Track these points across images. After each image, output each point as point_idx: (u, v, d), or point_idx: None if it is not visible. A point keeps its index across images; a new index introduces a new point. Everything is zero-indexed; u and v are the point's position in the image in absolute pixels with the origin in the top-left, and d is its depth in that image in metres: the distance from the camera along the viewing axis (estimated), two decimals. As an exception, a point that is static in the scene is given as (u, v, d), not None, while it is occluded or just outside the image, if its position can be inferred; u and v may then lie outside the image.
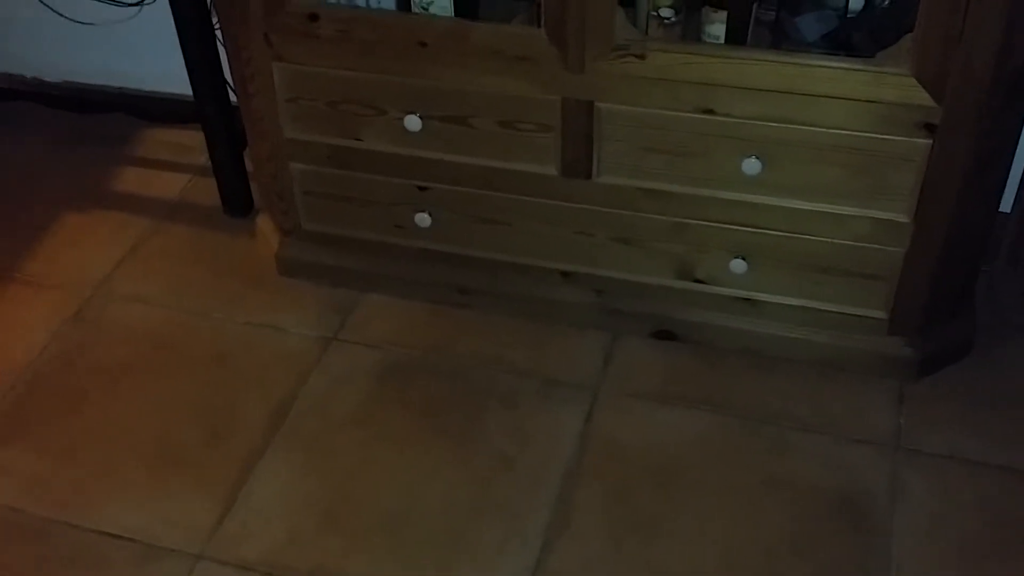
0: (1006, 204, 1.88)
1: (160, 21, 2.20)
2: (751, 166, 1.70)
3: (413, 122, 1.83)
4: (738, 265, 1.83)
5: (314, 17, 1.77)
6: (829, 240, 1.76)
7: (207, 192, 2.33)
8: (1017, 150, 1.75)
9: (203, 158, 2.33)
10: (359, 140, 1.91)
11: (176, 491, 1.75)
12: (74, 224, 2.31)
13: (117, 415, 1.88)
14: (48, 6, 2.42)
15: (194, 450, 1.81)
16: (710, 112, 1.68)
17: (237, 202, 2.30)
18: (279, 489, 1.75)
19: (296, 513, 1.71)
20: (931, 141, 1.61)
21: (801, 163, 1.69)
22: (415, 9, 1.77)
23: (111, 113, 2.53)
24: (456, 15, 1.76)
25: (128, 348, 2.01)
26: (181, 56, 2.12)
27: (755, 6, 1.68)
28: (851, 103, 1.61)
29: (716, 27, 1.68)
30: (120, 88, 2.57)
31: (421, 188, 1.93)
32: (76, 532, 1.69)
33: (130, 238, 2.26)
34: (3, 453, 1.82)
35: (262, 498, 1.73)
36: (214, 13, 2.01)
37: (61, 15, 2.44)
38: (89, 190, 2.41)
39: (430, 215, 1.95)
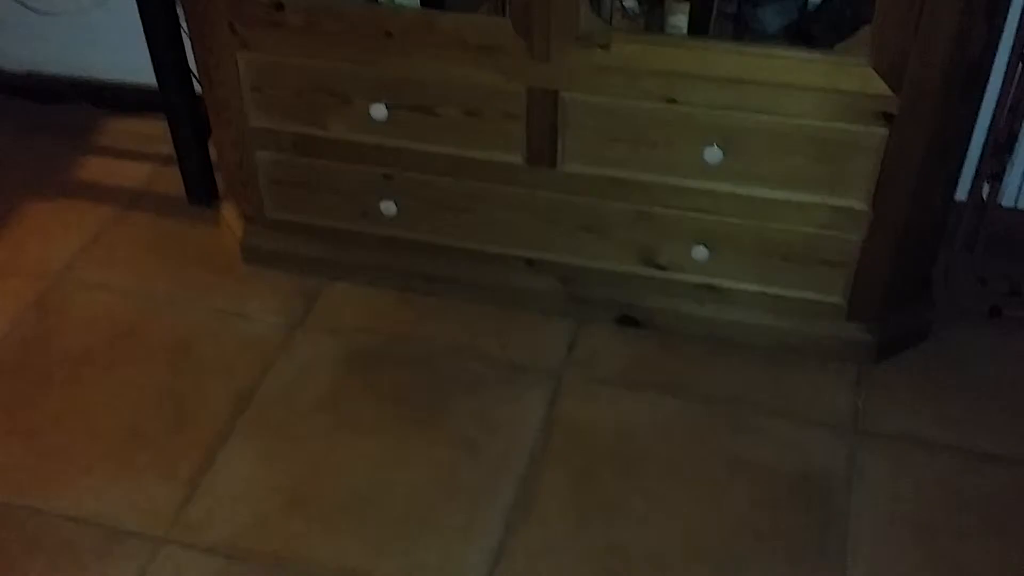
0: (962, 192, 1.91)
1: (124, 10, 2.19)
2: (713, 154, 1.73)
3: (379, 111, 1.84)
4: (700, 252, 1.85)
5: (279, 6, 1.78)
6: (789, 227, 1.79)
7: (171, 181, 2.33)
8: (972, 138, 1.79)
9: (167, 147, 2.32)
10: (325, 128, 1.91)
11: (140, 476, 1.75)
12: (37, 213, 2.30)
13: (80, 401, 1.87)
14: (10, -6, 2.41)
15: (158, 436, 1.81)
16: (673, 101, 1.71)
17: (201, 191, 2.29)
18: (244, 474, 1.75)
19: (261, 498, 1.71)
20: (888, 130, 1.64)
21: (761, 151, 1.72)
22: (381, -3, 1.78)
23: (74, 102, 2.52)
24: (422, 5, 1.77)
25: (91, 335, 2.00)
26: (145, 45, 2.11)
27: (717, -3, 1.71)
28: (810, 92, 1.64)
29: (679, 18, 1.71)
30: (84, 77, 2.55)
31: (387, 176, 1.94)
32: (39, 516, 1.68)
33: (93, 226, 2.25)
34: (-35, 440, 1.81)
35: (227, 483, 1.73)
36: (179, 2, 2.01)
37: (24, 5, 2.42)
38: (52, 179, 2.39)
39: (396, 203, 1.96)
